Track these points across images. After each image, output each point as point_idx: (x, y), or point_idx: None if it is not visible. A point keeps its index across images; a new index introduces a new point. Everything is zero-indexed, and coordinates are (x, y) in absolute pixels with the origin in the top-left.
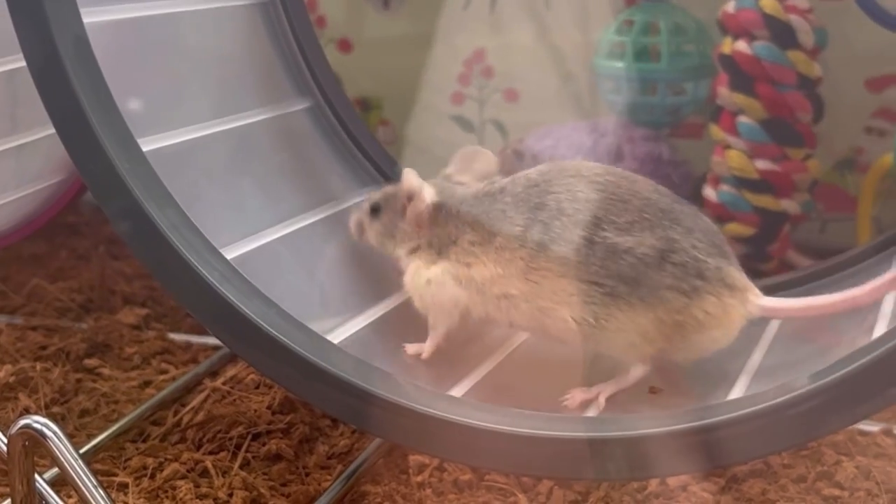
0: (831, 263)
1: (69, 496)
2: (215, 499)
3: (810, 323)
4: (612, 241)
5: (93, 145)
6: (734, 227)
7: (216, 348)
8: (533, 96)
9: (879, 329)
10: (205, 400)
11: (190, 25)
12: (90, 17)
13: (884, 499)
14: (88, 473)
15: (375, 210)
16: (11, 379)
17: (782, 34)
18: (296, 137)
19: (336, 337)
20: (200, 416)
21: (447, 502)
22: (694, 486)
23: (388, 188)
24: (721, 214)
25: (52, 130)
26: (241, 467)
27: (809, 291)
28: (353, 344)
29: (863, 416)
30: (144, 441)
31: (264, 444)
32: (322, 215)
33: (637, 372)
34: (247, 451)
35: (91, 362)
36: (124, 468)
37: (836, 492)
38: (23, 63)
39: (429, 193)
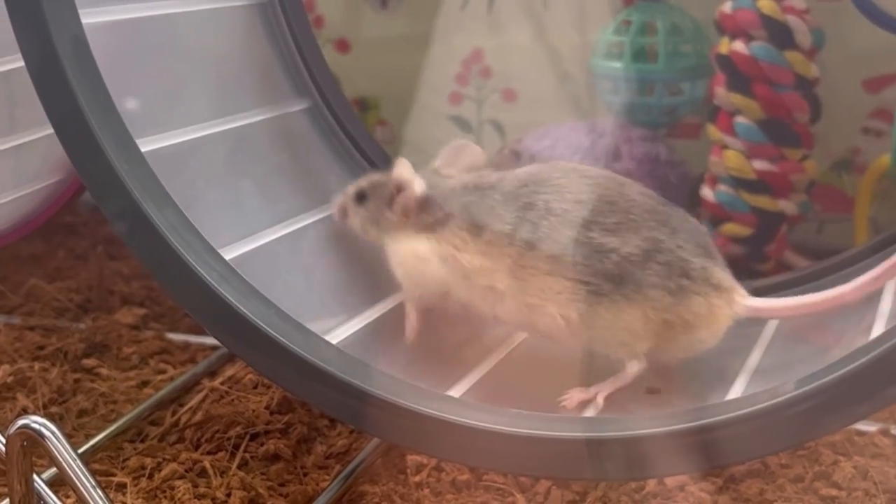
0: (828, 264)
1: (67, 496)
2: (213, 499)
3: (808, 323)
4: (598, 242)
5: (91, 146)
6: (731, 228)
7: (214, 348)
8: (531, 96)
9: (878, 329)
10: (203, 400)
11: (188, 26)
12: (88, 18)
13: (881, 499)
14: (87, 473)
15: (361, 196)
16: (9, 379)
17: (779, 35)
18: (294, 138)
19: (334, 337)
20: (198, 416)
21: (445, 502)
22: (692, 485)
23: (375, 175)
24: (718, 215)
25: (50, 130)
26: (239, 467)
27: (806, 292)
28: (351, 344)
29: (861, 416)
30: (143, 441)
31: (262, 444)
32: (320, 216)
33: (633, 369)
34: (245, 451)
35: (89, 362)
36: (122, 468)
37: (834, 492)
38: (20, 63)
39: (419, 185)
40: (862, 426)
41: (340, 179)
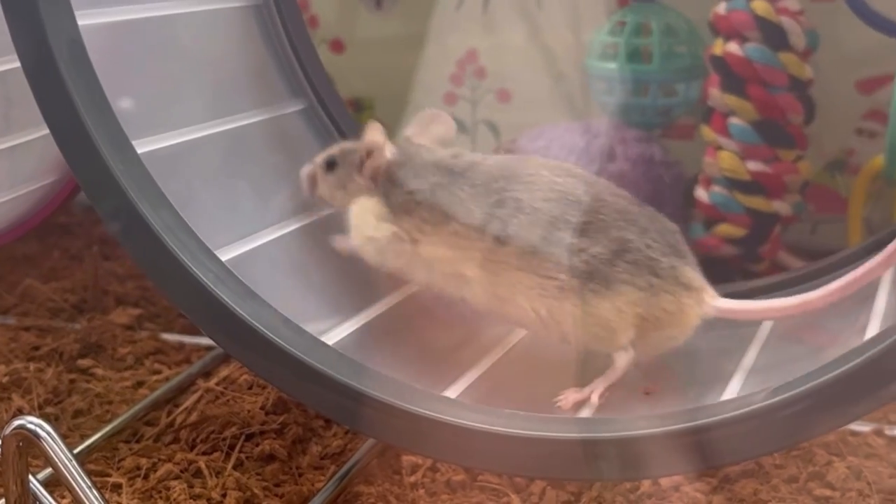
0: (822, 264)
1: (63, 497)
2: (209, 499)
3: (803, 323)
4: (567, 242)
5: (88, 147)
6: (725, 229)
7: (209, 349)
8: (525, 97)
9: (872, 329)
10: (198, 400)
11: (184, 28)
12: (85, 20)
13: (875, 499)
14: (82, 474)
15: (331, 164)
16: (5, 379)
17: (774, 36)
18: (290, 139)
19: (330, 338)
20: (194, 417)
21: (440, 502)
22: (686, 486)
23: (346, 144)
24: (712, 215)
25: (46, 131)
26: (234, 468)
27: (800, 292)
28: (347, 345)
29: (855, 416)
30: (138, 441)
31: (258, 445)
32: (316, 217)
33: (622, 361)
34: (240, 452)
35: (84, 363)
36: (118, 469)
37: (828, 492)
38: (15, 64)
39: (390, 150)
40: (856, 426)
41: None
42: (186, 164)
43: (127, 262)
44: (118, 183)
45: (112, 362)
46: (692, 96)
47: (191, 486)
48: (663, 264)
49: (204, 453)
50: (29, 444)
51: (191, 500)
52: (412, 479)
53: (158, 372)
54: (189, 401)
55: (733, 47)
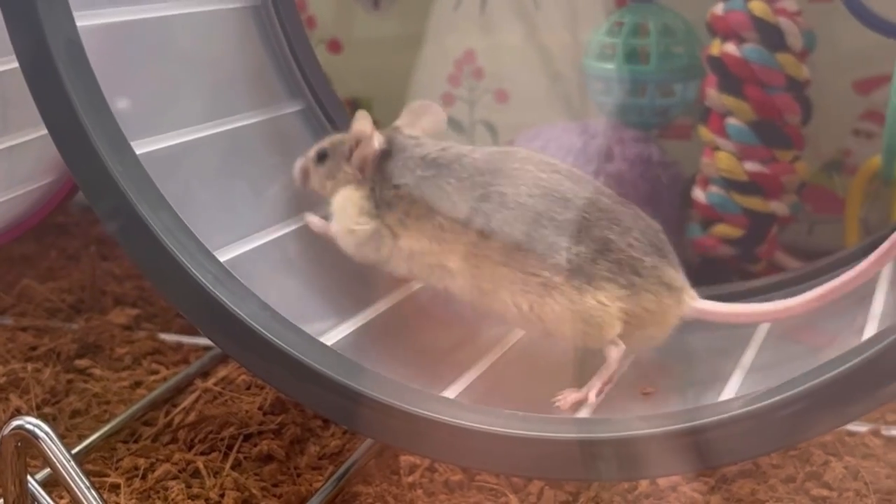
0: (819, 265)
1: (61, 497)
2: (207, 499)
3: (801, 323)
4: (550, 240)
5: (86, 148)
6: (722, 229)
7: (207, 349)
8: (523, 97)
9: (869, 330)
10: (196, 400)
11: (182, 29)
12: (83, 21)
13: (872, 499)
14: (80, 474)
15: (322, 156)
16: (2, 380)
17: (771, 36)
18: (288, 140)
19: (329, 339)
20: (192, 417)
21: (438, 503)
22: (684, 486)
23: (337, 136)
24: (709, 216)
25: (44, 132)
26: (232, 468)
27: (797, 293)
28: (345, 346)
29: (853, 417)
30: (136, 441)
31: (256, 445)
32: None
33: (613, 355)
34: (238, 452)
35: (82, 363)
36: (116, 469)
37: (825, 492)
38: (13, 64)
39: (378, 140)
40: (853, 426)
41: None
42: (185, 164)
43: (125, 263)
44: (116, 183)
45: (110, 362)
46: (689, 97)
47: (189, 487)
48: (646, 263)
49: (202, 453)
50: (27, 444)
51: (189, 501)
52: (410, 479)
53: (156, 372)
54: (187, 401)
55: (730, 48)
